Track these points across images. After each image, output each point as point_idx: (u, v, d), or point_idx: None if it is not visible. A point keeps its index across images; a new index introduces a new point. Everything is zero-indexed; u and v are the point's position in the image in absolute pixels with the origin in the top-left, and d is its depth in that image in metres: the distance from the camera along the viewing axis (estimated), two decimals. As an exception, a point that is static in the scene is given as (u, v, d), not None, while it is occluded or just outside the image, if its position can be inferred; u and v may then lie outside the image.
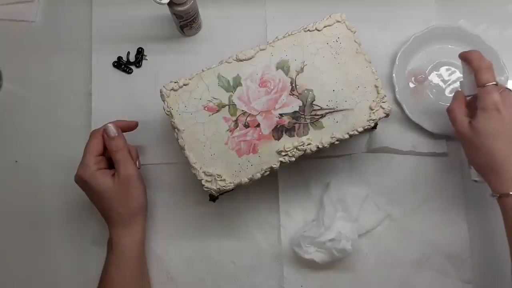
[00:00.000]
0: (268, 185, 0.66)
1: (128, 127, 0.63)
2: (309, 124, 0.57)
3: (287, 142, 0.56)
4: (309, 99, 0.57)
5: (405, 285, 0.65)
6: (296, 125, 0.57)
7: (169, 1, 0.60)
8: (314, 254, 0.61)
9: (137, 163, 0.62)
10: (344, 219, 0.62)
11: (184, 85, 0.57)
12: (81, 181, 0.58)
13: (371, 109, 0.57)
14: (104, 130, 0.59)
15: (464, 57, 0.59)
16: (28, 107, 0.70)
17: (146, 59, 0.71)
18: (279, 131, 0.56)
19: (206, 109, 0.57)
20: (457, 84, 0.68)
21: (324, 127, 0.56)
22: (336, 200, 0.64)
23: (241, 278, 0.65)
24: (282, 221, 0.66)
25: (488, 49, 0.67)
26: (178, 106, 0.57)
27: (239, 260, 0.66)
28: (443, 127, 0.65)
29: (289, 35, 0.59)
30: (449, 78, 0.69)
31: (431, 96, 0.69)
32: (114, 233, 0.59)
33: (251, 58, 0.58)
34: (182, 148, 0.56)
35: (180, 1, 0.61)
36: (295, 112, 0.57)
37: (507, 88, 0.56)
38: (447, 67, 0.69)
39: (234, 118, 0.57)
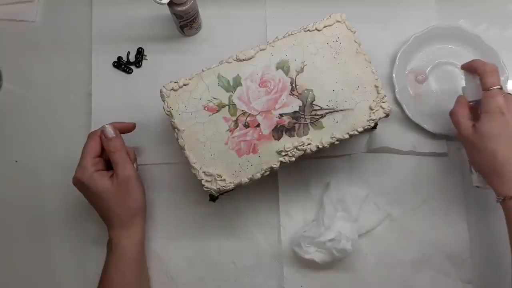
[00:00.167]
0: (268, 185, 0.66)
1: (125, 128, 0.63)
2: (309, 124, 0.57)
3: (287, 142, 0.56)
4: (309, 99, 0.57)
5: (405, 285, 0.65)
6: (296, 125, 0.57)
7: (169, 1, 0.60)
8: (314, 254, 0.61)
9: (134, 164, 0.62)
10: (344, 219, 0.62)
11: (184, 85, 0.57)
12: (79, 183, 0.58)
13: (371, 109, 0.57)
14: (102, 132, 0.59)
15: (468, 67, 0.60)
16: (28, 107, 0.70)
17: (146, 59, 0.71)
18: (279, 131, 0.56)
19: (206, 109, 0.57)
20: (457, 83, 0.68)
21: (324, 127, 0.56)
22: (336, 200, 0.64)
23: (241, 278, 0.65)
24: (282, 221, 0.66)
25: (488, 49, 0.68)
26: (178, 106, 0.57)
27: (239, 260, 0.66)
28: (443, 127, 0.66)
29: (289, 35, 0.59)
30: (449, 78, 0.69)
31: (431, 96, 0.68)
32: (113, 235, 0.59)
33: (251, 58, 0.58)
34: (182, 148, 0.56)
35: (180, 1, 0.61)
36: (295, 112, 0.57)
37: (509, 94, 0.57)
38: (447, 67, 0.69)
39: (234, 118, 0.57)
